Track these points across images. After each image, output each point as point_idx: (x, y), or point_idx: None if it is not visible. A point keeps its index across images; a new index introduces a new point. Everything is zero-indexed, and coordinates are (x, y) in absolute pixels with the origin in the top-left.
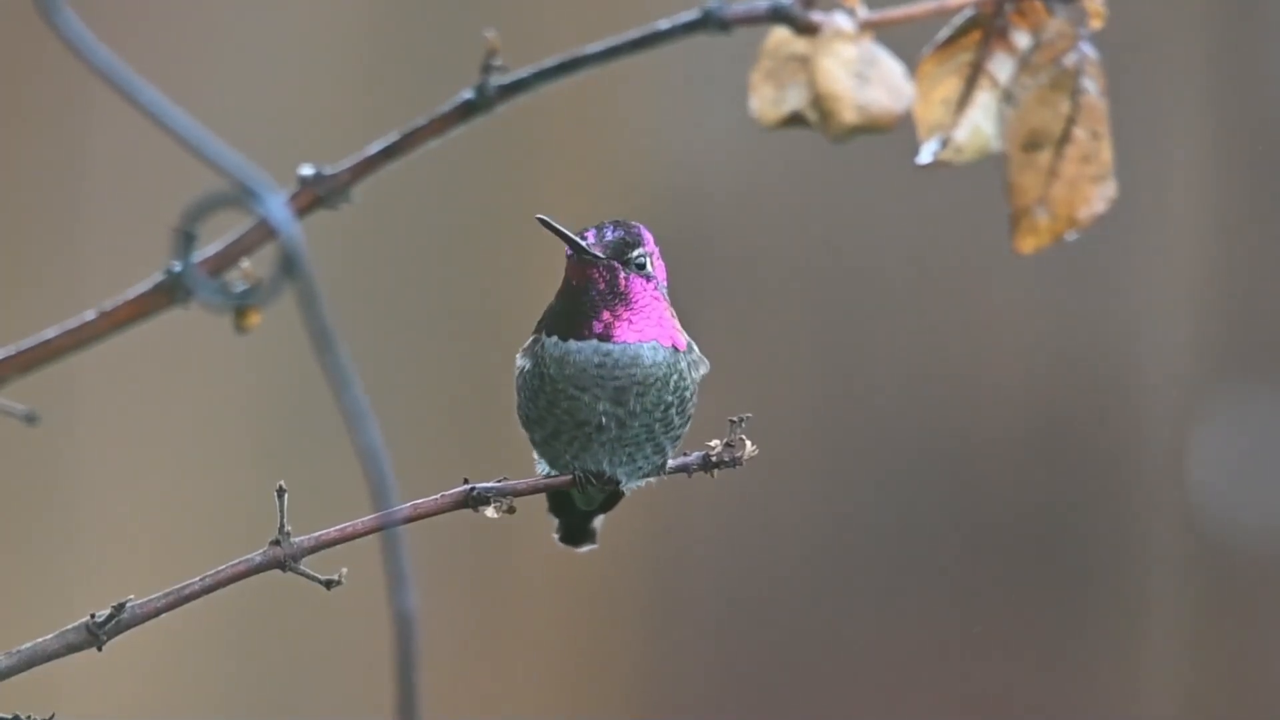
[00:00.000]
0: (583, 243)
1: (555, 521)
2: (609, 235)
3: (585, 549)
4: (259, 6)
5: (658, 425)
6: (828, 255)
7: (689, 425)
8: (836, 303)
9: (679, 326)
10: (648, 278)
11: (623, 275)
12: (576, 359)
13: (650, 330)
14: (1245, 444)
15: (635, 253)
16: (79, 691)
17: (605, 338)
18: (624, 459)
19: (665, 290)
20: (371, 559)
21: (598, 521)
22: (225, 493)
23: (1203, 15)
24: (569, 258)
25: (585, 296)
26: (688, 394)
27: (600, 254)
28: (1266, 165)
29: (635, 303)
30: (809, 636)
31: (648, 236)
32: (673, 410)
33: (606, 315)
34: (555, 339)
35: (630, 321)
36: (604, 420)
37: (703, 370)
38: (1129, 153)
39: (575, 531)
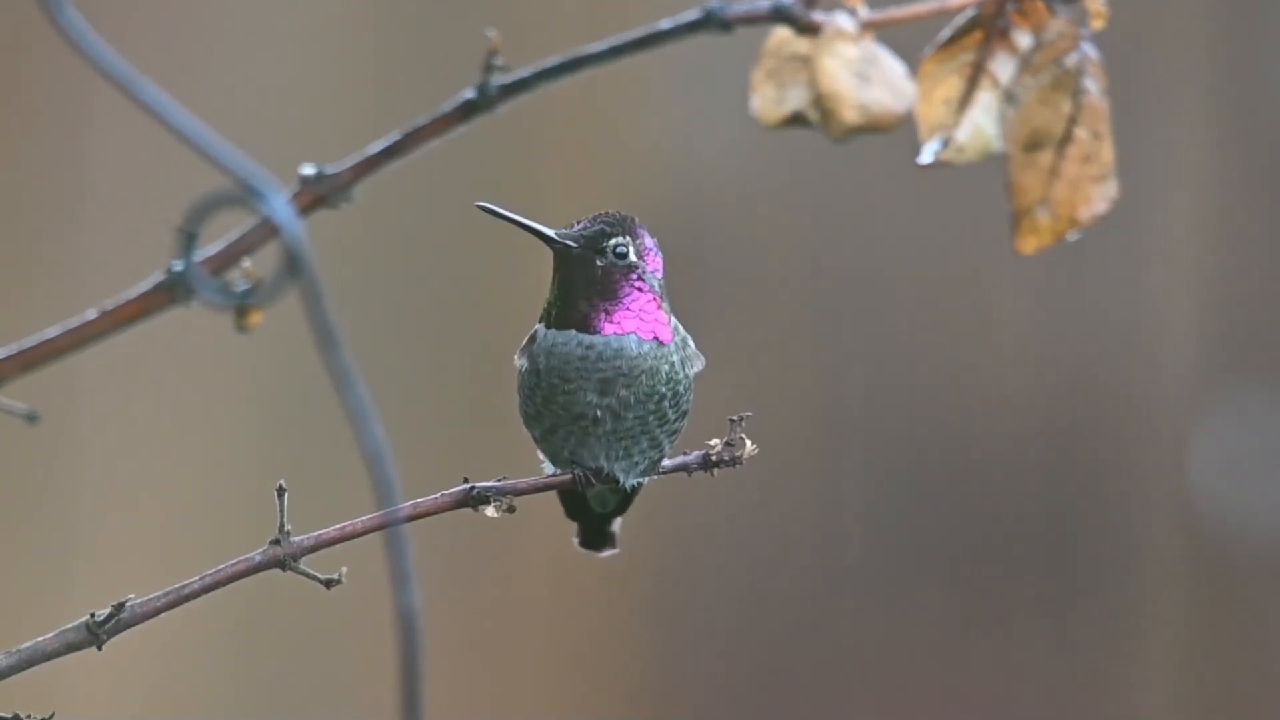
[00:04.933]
0: (550, 232)
1: (568, 526)
2: (586, 226)
3: (606, 553)
4: (261, 6)
5: (652, 419)
6: (829, 255)
7: (686, 421)
8: (837, 302)
9: (667, 320)
10: (630, 267)
11: (599, 265)
12: (561, 350)
13: (629, 322)
14: (1246, 445)
15: (612, 242)
16: (79, 691)
17: (585, 329)
18: (620, 454)
19: (658, 282)
20: (371, 558)
21: (616, 525)
22: (225, 492)
23: (1203, 15)
24: (553, 248)
25: (566, 288)
26: (681, 388)
27: (572, 243)
28: (1268, 165)
29: (614, 293)
30: (810, 636)
31: (637, 227)
32: (665, 403)
33: (585, 306)
34: (545, 329)
35: (608, 313)
36: (598, 414)
37: (698, 366)
38: (1130, 153)
39: (594, 536)
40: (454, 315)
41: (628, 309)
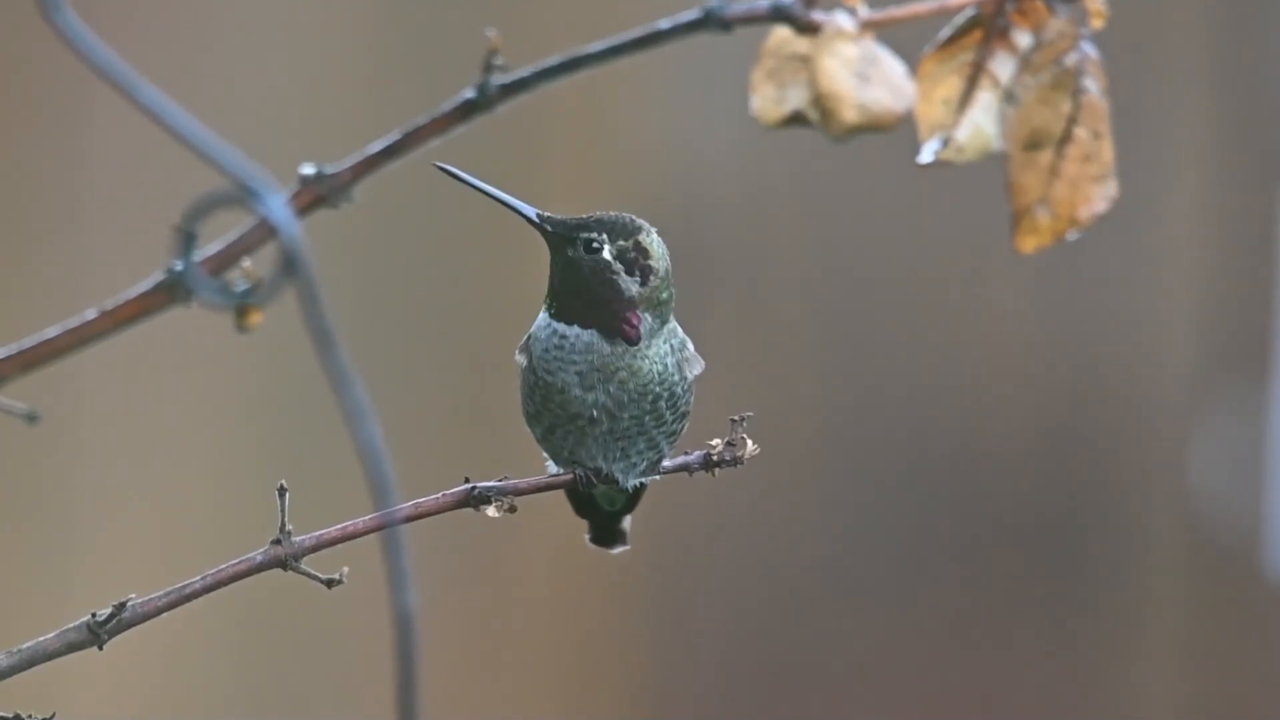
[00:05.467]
0: (530, 211)
1: (569, 526)
2: (585, 217)
3: (618, 550)
4: (261, 6)
5: (648, 419)
6: (829, 255)
7: (685, 424)
8: (838, 301)
9: (636, 323)
10: (600, 264)
11: (569, 255)
12: (541, 336)
13: (592, 318)
14: (1246, 445)
15: (585, 235)
16: (79, 691)
17: (560, 318)
18: (617, 454)
19: (636, 285)
20: (373, 558)
21: (626, 523)
22: (226, 492)
23: (1203, 15)
24: (532, 225)
25: (550, 273)
26: (679, 390)
27: (549, 227)
28: (1267, 165)
29: (584, 287)
30: (810, 636)
31: (639, 232)
32: (662, 404)
33: (561, 294)
34: (542, 315)
35: (575, 306)
36: (594, 414)
37: (697, 369)
38: (1130, 152)
39: (604, 533)
40: (453, 315)
41: (592, 305)
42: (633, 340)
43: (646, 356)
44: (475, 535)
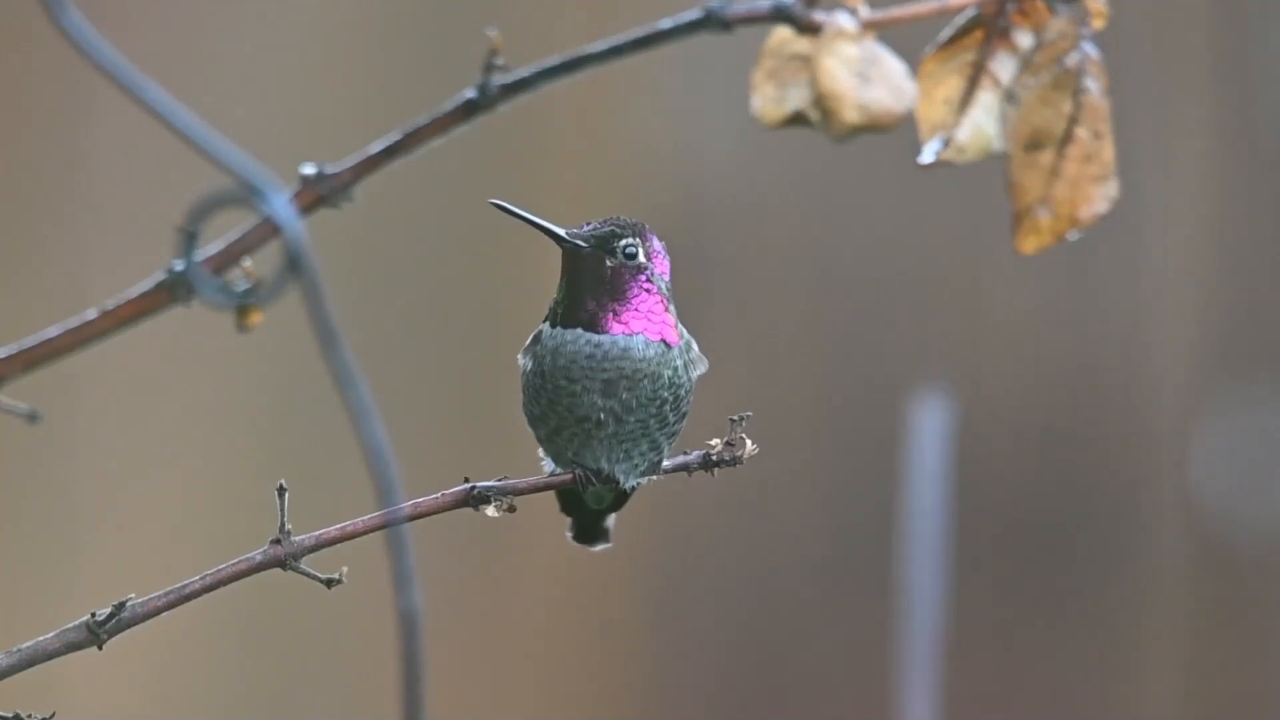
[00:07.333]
0: (561, 231)
1: (567, 521)
2: (596, 227)
3: (599, 548)
4: (262, 5)
5: (653, 421)
6: (829, 255)
7: (685, 423)
8: (837, 302)
9: (674, 322)
10: (639, 268)
11: (609, 265)
12: (568, 349)
13: (638, 323)
14: (1246, 445)
15: (622, 242)
16: (79, 690)
17: (592, 328)
18: (620, 455)
19: (665, 284)
20: (372, 558)
21: (610, 520)
22: (226, 492)
23: (1203, 15)
24: (563, 248)
25: (575, 287)
26: (683, 391)
27: (582, 243)
28: (1268, 165)
29: (622, 294)
30: (810, 635)
31: (646, 231)
32: (667, 407)
33: (593, 306)
34: (550, 328)
35: (616, 313)
36: (601, 416)
37: (700, 369)
38: (1131, 152)
39: (588, 530)
40: (455, 315)
41: (636, 310)
42: (675, 342)
43: (672, 359)
44: (475, 535)
